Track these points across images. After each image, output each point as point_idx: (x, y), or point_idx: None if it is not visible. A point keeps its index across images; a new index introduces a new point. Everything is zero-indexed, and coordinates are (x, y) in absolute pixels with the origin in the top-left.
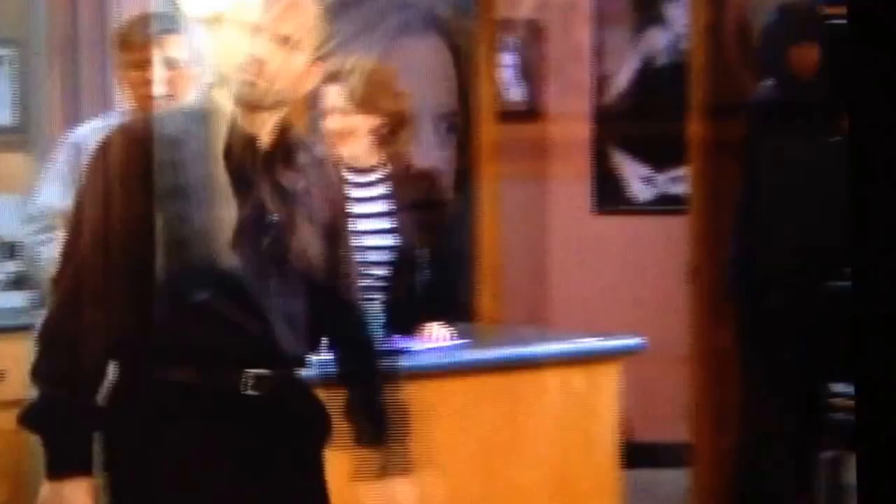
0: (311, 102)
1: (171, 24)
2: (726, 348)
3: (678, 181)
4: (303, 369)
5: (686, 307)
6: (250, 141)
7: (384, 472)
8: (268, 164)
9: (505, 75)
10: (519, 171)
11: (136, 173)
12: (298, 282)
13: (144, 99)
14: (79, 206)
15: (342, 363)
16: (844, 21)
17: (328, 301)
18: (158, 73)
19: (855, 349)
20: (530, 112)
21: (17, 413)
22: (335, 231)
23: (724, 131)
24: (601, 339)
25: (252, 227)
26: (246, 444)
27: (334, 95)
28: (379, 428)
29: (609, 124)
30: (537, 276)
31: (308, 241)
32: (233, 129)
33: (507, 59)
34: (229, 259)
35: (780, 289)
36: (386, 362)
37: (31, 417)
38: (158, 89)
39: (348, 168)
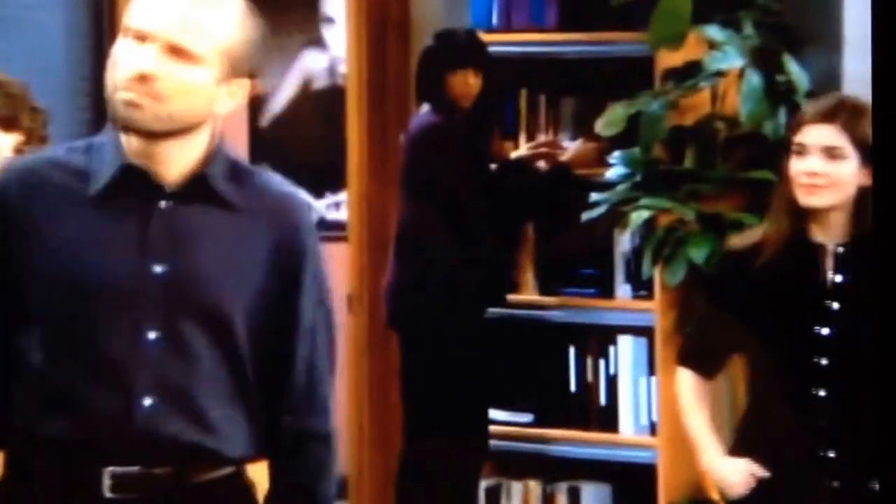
0: None
1: None
2: (387, 377)
3: (338, 207)
4: (209, 466)
5: (347, 336)
6: (143, 178)
7: None
8: (167, 205)
9: None
10: None
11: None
12: (203, 352)
13: None
14: None
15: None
16: (502, 48)
17: (263, 375)
18: None
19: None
20: None
21: None
22: (285, 284)
23: (383, 157)
24: None
25: (128, 284)
26: None
27: None
28: None
29: (265, 147)
30: None
31: (220, 297)
32: (121, 164)
33: None
34: (94, 320)
35: (439, 316)
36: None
37: None
38: None
39: None
